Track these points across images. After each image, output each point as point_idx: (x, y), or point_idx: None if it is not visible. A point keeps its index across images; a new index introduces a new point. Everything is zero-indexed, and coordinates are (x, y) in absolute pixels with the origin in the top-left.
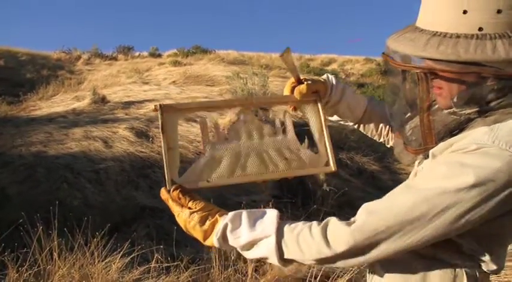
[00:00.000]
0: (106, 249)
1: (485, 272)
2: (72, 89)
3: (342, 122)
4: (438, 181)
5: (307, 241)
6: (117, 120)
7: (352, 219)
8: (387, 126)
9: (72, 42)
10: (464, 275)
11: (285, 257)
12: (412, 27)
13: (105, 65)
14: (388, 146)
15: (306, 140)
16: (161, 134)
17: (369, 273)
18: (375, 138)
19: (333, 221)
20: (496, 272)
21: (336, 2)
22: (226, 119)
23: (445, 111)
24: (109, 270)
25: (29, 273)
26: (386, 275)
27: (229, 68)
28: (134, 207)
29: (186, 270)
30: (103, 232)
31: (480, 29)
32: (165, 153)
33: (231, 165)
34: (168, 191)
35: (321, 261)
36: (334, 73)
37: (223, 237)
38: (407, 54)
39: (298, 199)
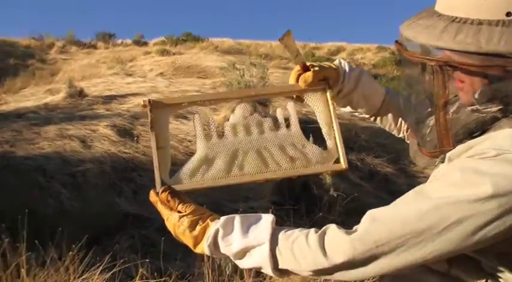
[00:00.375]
0: (83, 264)
1: None
2: (44, 80)
3: (356, 114)
4: (451, 189)
5: (302, 250)
6: (97, 116)
7: (355, 227)
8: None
9: (44, 26)
10: None
11: (280, 267)
12: (429, 12)
13: (82, 54)
14: (408, 142)
15: (311, 138)
16: (150, 133)
17: None
18: (393, 133)
19: (332, 229)
20: None
21: None
22: (221, 114)
23: (468, 108)
24: None
25: None
26: None
27: (224, 58)
28: (116, 216)
29: None
30: (80, 244)
31: (508, 13)
32: (155, 153)
33: (226, 164)
34: (158, 193)
35: (318, 272)
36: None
37: (215, 244)
38: (422, 44)
39: (301, 206)
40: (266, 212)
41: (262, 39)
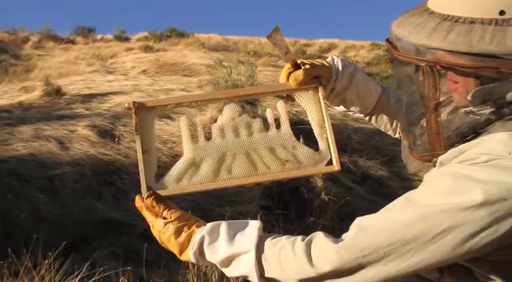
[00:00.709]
0: (60, 273)
1: None
2: (18, 77)
3: (350, 113)
4: (440, 196)
5: (288, 258)
6: (76, 116)
7: (343, 235)
8: None
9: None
10: None
11: (266, 275)
12: (421, 9)
13: (60, 50)
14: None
15: (302, 139)
16: (135, 136)
17: None
18: (389, 133)
19: (319, 237)
20: None
21: None
22: (207, 114)
23: (461, 110)
24: None
25: None
26: None
27: (211, 55)
28: (96, 221)
29: None
30: (57, 251)
31: (502, 12)
32: (140, 157)
33: (214, 167)
34: (143, 199)
35: (304, 281)
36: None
37: (200, 251)
38: (412, 43)
39: (291, 210)
40: (255, 217)
41: (251, 35)
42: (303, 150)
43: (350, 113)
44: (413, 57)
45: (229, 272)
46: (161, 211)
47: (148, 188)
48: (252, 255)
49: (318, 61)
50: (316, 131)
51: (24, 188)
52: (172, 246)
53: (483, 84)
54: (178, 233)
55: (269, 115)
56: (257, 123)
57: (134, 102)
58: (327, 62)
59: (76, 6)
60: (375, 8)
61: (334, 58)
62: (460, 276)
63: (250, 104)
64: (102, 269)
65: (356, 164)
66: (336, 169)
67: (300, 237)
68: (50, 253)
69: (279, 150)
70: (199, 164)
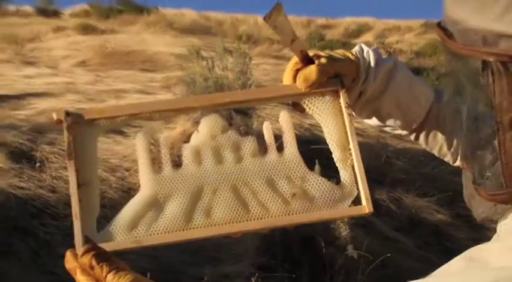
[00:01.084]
0: None
1: None
2: None
3: (387, 129)
4: None
5: None
6: None
7: None
8: None
9: None
10: None
11: None
12: None
13: None
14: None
15: (317, 166)
16: (68, 162)
17: None
18: (446, 160)
19: None
20: None
21: None
22: (176, 130)
23: None
24: None
25: None
26: None
27: (183, 40)
28: None
29: None
30: None
31: None
32: (74, 194)
33: (186, 208)
34: (78, 256)
35: None
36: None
37: None
38: (474, 28)
39: (303, 272)
40: (246, 281)
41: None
42: (316, 183)
43: (387, 128)
44: (477, 50)
45: None
46: (104, 274)
47: (86, 240)
48: None
49: (339, 53)
50: (336, 156)
51: None
52: None
53: None
54: None
55: (267, 131)
56: (249, 144)
57: (67, 111)
58: (352, 53)
59: None
60: None
61: (363, 48)
62: None
63: (240, 115)
64: None
65: (400, 203)
66: (366, 211)
67: None
68: None
69: (281, 184)
70: (163, 204)
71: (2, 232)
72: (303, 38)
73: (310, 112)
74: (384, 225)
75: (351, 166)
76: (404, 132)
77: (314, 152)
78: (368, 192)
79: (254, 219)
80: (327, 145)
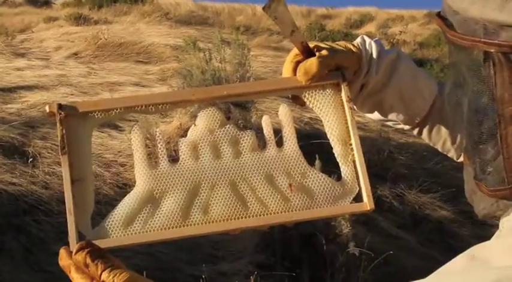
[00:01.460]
0: None
1: None
2: None
3: (390, 123)
4: None
5: None
6: None
7: None
8: None
9: None
10: None
11: None
12: None
13: None
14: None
15: (318, 161)
16: (61, 156)
17: None
18: (449, 155)
19: None
20: None
21: None
22: (173, 124)
23: None
24: None
25: None
26: None
27: (179, 31)
28: None
29: None
30: None
31: None
32: (68, 189)
33: (183, 204)
34: (72, 253)
35: None
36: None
37: None
38: (474, 18)
39: (303, 270)
40: (246, 279)
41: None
42: (317, 179)
43: (389, 123)
44: (478, 40)
45: None
46: (99, 272)
47: (81, 237)
48: None
49: (341, 44)
50: (337, 151)
51: None
52: None
53: None
54: None
55: (266, 125)
56: (248, 138)
57: (60, 104)
58: (354, 45)
59: None
60: None
61: (365, 39)
62: None
63: (239, 108)
64: None
65: (402, 199)
66: (367, 208)
67: None
68: None
69: (280, 180)
70: (159, 200)
71: None
72: (303, 28)
73: (311, 106)
74: (386, 222)
75: (352, 162)
76: (407, 127)
77: (314, 146)
78: (369, 188)
79: (253, 216)
80: (328, 139)
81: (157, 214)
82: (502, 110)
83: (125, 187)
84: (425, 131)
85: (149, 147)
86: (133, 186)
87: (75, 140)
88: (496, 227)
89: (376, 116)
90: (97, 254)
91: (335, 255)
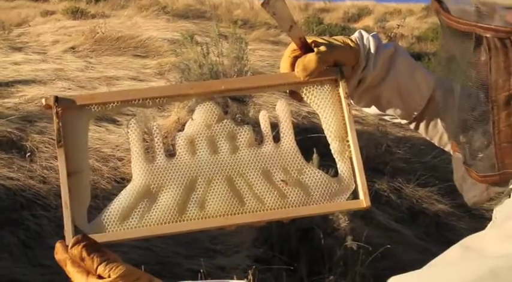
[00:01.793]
0: None
1: None
2: None
3: (387, 118)
4: None
5: None
6: None
7: None
8: None
9: None
10: None
11: None
12: None
13: None
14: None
15: (315, 155)
16: (58, 149)
17: None
18: (446, 150)
19: None
20: None
21: None
22: (170, 118)
23: None
24: None
25: None
26: None
27: (177, 25)
28: None
29: None
30: None
31: None
32: (64, 183)
33: (179, 199)
34: (68, 247)
35: None
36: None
37: None
38: (469, 1)
39: (300, 264)
40: (244, 274)
41: None
42: (313, 176)
43: (386, 117)
44: (474, 24)
45: None
46: (95, 266)
47: (77, 231)
48: None
49: (339, 39)
50: (334, 147)
51: None
52: None
53: None
54: None
55: (264, 121)
56: (245, 134)
57: (56, 97)
58: (352, 40)
59: None
60: None
61: (363, 34)
62: None
63: (236, 102)
64: None
65: (400, 193)
66: (364, 205)
67: None
68: None
69: (277, 176)
70: (156, 194)
71: None
72: (301, 22)
73: (309, 101)
74: (384, 216)
75: (349, 158)
76: (404, 121)
77: (312, 140)
78: (366, 185)
79: (249, 212)
80: (324, 135)
81: (154, 209)
82: (496, 96)
83: (122, 181)
84: (422, 125)
85: (147, 142)
86: (131, 180)
87: (71, 133)
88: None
89: (373, 110)
90: (93, 247)
91: (333, 249)
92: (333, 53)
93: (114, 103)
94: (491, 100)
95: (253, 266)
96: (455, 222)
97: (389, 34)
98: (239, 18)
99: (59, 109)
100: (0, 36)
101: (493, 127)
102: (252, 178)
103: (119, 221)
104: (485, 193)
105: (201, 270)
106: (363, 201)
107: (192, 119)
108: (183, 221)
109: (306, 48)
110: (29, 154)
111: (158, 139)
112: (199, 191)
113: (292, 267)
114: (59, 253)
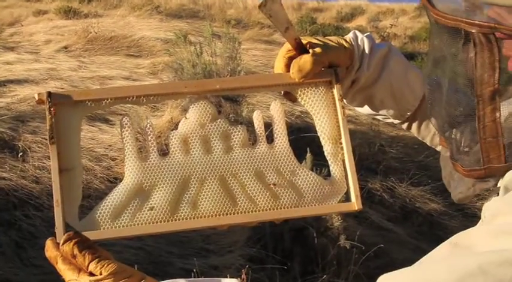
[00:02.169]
0: None
1: None
2: None
3: (380, 117)
4: (505, 239)
5: None
6: None
7: None
8: None
9: None
10: None
11: None
12: None
13: None
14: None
15: (309, 155)
16: (50, 146)
17: None
18: (438, 150)
19: None
20: None
21: None
22: (164, 117)
23: None
24: None
25: None
26: None
27: (170, 25)
28: None
29: None
30: None
31: None
32: (56, 180)
33: (172, 198)
34: (59, 244)
35: None
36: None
37: None
38: None
39: (294, 263)
40: (237, 273)
41: None
42: (306, 178)
43: (379, 117)
44: (460, 20)
45: None
46: (87, 263)
47: (68, 228)
48: None
49: (333, 40)
50: (327, 149)
51: None
52: None
53: None
54: None
55: (257, 121)
56: (239, 134)
57: (49, 92)
58: (346, 40)
59: None
60: None
61: (357, 35)
62: None
63: (230, 102)
64: None
65: (393, 192)
66: (355, 208)
67: None
68: None
69: (270, 176)
70: (148, 193)
71: None
72: (294, 21)
73: (303, 103)
74: (376, 215)
75: (341, 161)
76: (396, 121)
77: (305, 140)
78: (358, 188)
79: (241, 213)
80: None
81: (146, 208)
82: (481, 91)
83: (115, 181)
84: (414, 125)
85: (140, 142)
86: (122, 179)
87: (64, 129)
88: None
89: (366, 110)
90: (84, 244)
91: (326, 248)
92: (328, 55)
93: (107, 100)
94: (476, 95)
95: (247, 266)
96: (447, 221)
97: (383, 34)
98: (232, 17)
99: (52, 105)
100: None
101: (479, 122)
102: (245, 179)
103: (110, 219)
104: (472, 189)
105: (194, 270)
106: (355, 203)
107: (186, 118)
108: (175, 220)
109: (301, 49)
110: (21, 154)
111: (151, 137)
112: (192, 190)
113: (285, 267)
114: (50, 250)
